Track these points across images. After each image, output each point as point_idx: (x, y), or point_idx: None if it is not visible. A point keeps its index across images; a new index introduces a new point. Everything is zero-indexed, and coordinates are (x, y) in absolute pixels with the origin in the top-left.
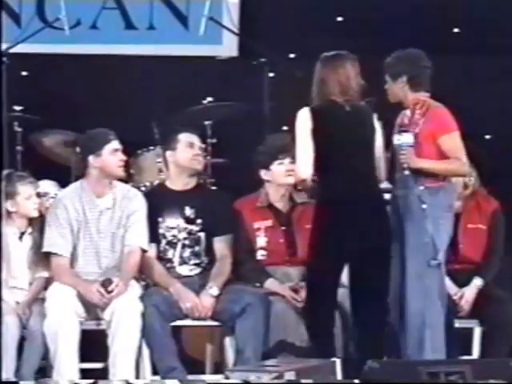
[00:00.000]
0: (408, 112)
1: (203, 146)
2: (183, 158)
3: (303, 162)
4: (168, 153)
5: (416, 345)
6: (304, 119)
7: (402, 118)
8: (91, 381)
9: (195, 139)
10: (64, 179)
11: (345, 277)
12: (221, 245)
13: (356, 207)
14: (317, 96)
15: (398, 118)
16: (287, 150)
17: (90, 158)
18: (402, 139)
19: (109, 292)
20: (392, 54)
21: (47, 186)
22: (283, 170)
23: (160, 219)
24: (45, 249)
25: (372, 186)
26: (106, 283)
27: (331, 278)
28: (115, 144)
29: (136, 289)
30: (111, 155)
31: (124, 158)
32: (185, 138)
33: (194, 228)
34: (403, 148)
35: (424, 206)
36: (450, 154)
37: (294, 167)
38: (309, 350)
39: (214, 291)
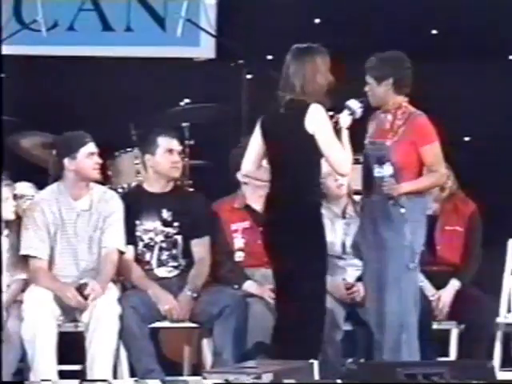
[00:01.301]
0: (389, 117)
1: (182, 148)
2: (162, 164)
3: (245, 158)
4: (147, 156)
5: (393, 348)
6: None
7: (383, 122)
8: (76, 381)
9: (174, 144)
10: (41, 181)
11: None
12: (199, 247)
13: (279, 213)
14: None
15: (373, 121)
16: None
17: (66, 161)
18: (383, 172)
19: (85, 297)
20: (372, 57)
21: (24, 187)
22: (261, 171)
23: (137, 222)
24: (22, 251)
25: (297, 194)
26: (82, 287)
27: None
28: (91, 147)
29: (114, 291)
30: (87, 158)
31: (100, 161)
32: (164, 143)
33: (171, 231)
34: (385, 180)
35: (403, 211)
36: (430, 166)
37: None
38: (287, 351)
39: (193, 293)
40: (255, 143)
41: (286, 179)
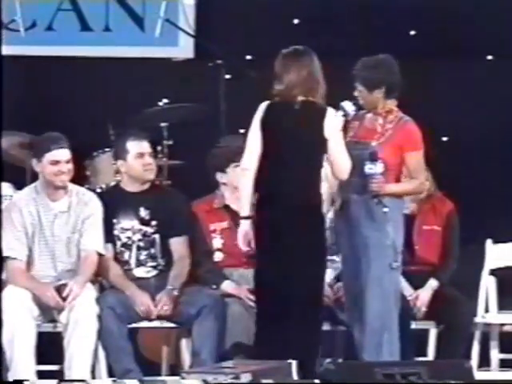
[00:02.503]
0: (380, 120)
1: (158, 148)
2: (134, 168)
3: (245, 154)
4: (119, 162)
5: (374, 348)
6: (259, 111)
7: (372, 124)
8: (55, 381)
9: (145, 147)
10: (20, 181)
11: None
12: (178, 246)
13: (284, 212)
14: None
15: (356, 122)
16: (243, 152)
17: (33, 163)
18: (375, 169)
19: (63, 298)
20: (360, 62)
21: (2, 187)
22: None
23: (114, 220)
24: None
25: (306, 192)
26: (61, 288)
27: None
28: (54, 154)
29: (92, 291)
30: (50, 164)
31: (64, 169)
32: (134, 147)
33: (149, 230)
34: (375, 177)
35: (386, 210)
36: (412, 173)
37: None
38: (265, 351)
39: (174, 292)
40: (255, 138)
41: (290, 177)
